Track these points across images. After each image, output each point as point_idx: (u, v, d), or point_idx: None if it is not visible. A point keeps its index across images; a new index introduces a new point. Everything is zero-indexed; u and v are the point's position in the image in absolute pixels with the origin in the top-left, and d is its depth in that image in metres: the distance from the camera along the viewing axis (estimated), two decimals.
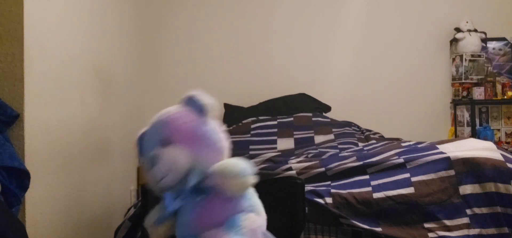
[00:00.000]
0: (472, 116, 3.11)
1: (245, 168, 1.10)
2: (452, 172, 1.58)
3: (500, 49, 3.34)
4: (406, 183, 1.58)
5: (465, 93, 3.28)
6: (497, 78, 3.27)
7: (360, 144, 2.44)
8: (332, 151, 2.29)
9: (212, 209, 1.13)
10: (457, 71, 3.33)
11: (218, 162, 1.14)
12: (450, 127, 3.36)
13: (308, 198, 1.52)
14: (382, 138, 2.80)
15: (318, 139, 2.67)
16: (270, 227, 1.18)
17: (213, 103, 1.19)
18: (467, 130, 3.16)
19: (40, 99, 1.75)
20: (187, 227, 1.15)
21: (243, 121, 3.01)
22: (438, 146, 1.73)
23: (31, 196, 1.65)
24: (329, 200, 1.54)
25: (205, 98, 1.19)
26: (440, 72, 3.40)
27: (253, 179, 1.12)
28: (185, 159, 1.12)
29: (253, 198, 1.18)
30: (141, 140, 1.26)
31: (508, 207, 1.52)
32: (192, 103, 1.19)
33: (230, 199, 1.13)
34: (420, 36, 3.41)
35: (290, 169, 1.81)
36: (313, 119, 2.90)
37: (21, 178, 1.46)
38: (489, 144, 1.71)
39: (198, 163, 1.13)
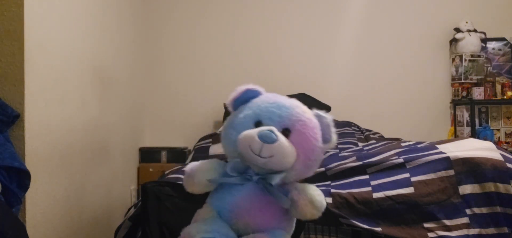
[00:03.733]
0: (472, 116, 3.11)
1: (324, 205, 1.16)
2: (451, 172, 1.58)
3: (499, 49, 3.34)
4: (405, 183, 1.58)
5: (464, 93, 3.29)
6: (497, 78, 3.28)
7: (360, 144, 2.44)
8: (332, 151, 2.29)
9: (269, 211, 1.15)
10: (456, 71, 3.33)
11: (303, 183, 1.18)
12: (449, 127, 3.36)
13: None
14: (382, 138, 2.80)
15: None
16: None
17: (336, 140, 1.21)
18: (467, 130, 3.17)
19: (40, 99, 1.76)
20: (233, 207, 1.15)
21: None
22: (437, 146, 1.73)
23: (31, 196, 1.65)
24: (328, 200, 1.54)
25: (334, 132, 1.20)
26: (439, 72, 3.40)
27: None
28: (291, 162, 1.11)
29: (293, 224, 1.22)
30: (248, 94, 1.23)
31: (508, 207, 1.52)
32: (324, 127, 1.19)
33: (286, 214, 1.16)
34: (420, 36, 3.41)
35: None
36: None
37: (22, 178, 1.47)
38: (489, 144, 1.71)
39: (293, 171, 1.14)
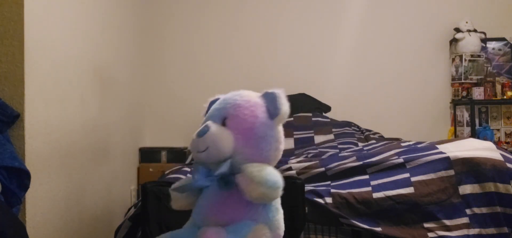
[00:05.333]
0: (472, 116, 3.11)
1: (274, 180, 1.06)
2: (451, 172, 1.58)
3: (499, 49, 3.34)
4: (405, 183, 1.58)
5: (464, 93, 3.29)
6: (497, 78, 3.27)
7: (360, 144, 2.44)
8: (332, 151, 2.29)
9: (230, 205, 1.13)
10: (456, 71, 3.33)
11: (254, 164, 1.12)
12: (449, 127, 3.36)
13: (308, 198, 1.52)
14: (382, 138, 2.80)
15: (318, 139, 2.68)
16: None
17: (287, 111, 1.17)
18: (467, 130, 3.17)
19: (40, 99, 1.76)
20: (202, 209, 1.17)
21: None
22: (437, 146, 1.73)
23: (31, 196, 1.65)
24: (329, 200, 1.54)
25: (283, 103, 1.16)
26: (439, 72, 3.40)
27: (278, 193, 1.09)
28: (228, 146, 1.12)
29: (275, 213, 1.16)
30: (211, 104, 1.26)
31: (508, 207, 1.53)
32: (269, 101, 1.17)
33: (250, 203, 1.10)
34: (420, 36, 3.41)
35: (290, 169, 1.81)
36: (313, 119, 2.90)
37: (22, 178, 1.46)
38: (489, 144, 1.71)
39: (238, 156, 1.13)
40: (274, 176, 1.07)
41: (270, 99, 1.17)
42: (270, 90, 1.18)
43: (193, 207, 1.21)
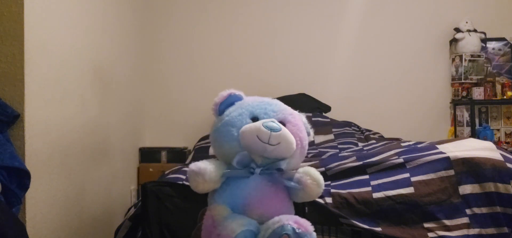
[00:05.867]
0: (472, 116, 3.11)
1: (323, 183, 1.27)
2: (451, 172, 1.58)
3: (499, 49, 3.34)
4: (405, 183, 1.58)
5: (464, 93, 3.29)
6: (497, 78, 3.28)
7: (360, 144, 2.45)
8: (332, 151, 2.29)
9: (278, 200, 1.23)
10: (456, 71, 3.33)
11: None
12: (449, 127, 3.36)
13: None
14: (382, 138, 2.80)
15: (318, 139, 2.68)
16: None
17: (313, 134, 1.38)
18: (467, 130, 3.17)
19: (40, 99, 1.76)
20: (243, 200, 1.20)
21: None
22: (437, 146, 1.73)
23: (31, 196, 1.65)
24: (329, 200, 1.54)
25: (310, 127, 1.36)
26: (439, 72, 3.40)
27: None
28: (294, 148, 1.21)
29: None
30: (233, 98, 1.30)
31: (508, 207, 1.52)
32: (304, 122, 1.34)
33: (288, 199, 1.26)
34: (420, 36, 3.41)
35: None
36: (313, 119, 2.90)
37: (22, 178, 1.47)
38: (489, 144, 1.71)
39: (294, 158, 1.24)
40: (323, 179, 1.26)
41: (303, 120, 1.34)
42: (298, 112, 1.34)
43: (193, 202, 1.22)
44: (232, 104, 1.29)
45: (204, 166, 1.18)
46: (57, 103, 1.90)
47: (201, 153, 2.62)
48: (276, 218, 1.14)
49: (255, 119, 1.23)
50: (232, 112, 1.26)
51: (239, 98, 1.31)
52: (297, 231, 1.09)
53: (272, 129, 1.17)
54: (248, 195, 1.20)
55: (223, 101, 1.29)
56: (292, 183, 1.22)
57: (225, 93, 1.30)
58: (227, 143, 1.23)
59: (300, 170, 1.26)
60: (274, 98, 1.35)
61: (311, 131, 1.34)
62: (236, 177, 1.21)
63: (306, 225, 1.13)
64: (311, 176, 1.22)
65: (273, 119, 1.21)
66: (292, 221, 1.12)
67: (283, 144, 1.18)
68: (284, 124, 1.23)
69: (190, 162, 2.52)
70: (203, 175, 1.17)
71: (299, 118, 1.31)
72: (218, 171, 1.19)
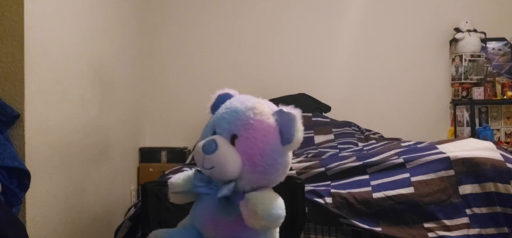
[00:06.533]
0: (472, 116, 3.11)
1: (277, 214, 1.04)
2: (451, 172, 1.58)
3: (499, 49, 3.34)
4: (405, 183, 1.58)
5: (464, 93, 3.29)
6: (497, 78, 3.27)
7: (360, 144, 2.44)
8: (332, 151, 2.29)
9: (230, 224, 1.10)
10: (456, 71, 3.33)
11: (258, 191, 1.08)
12: (449, 127, 3.36)
13: (308, 198, 1.52)
14: (382, 138, 2.80)
15: (318, 139, 2.68)
16: None
17: (301, 139, 1.09)
18: (467, 130, 3.17)
19: (40, 99, 1.76)
20: (200, 217, 1.15)
21: None
22: (437, 146, 1.73)
23: (31, 196, 1.65)
24: (329, 200, 1.54)
25: (298, 129, 1.08)
26: (439, 72, 3.40)
27: (279, 224, 1.07)
28: (235, 170, 1.06)
29: (272, 234, 1.15)
30: (220, 100, 1.19)
31: (508, 207, 1.53)
32: (283, 124, 1.08)
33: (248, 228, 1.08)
34: (420, 36, 3.41)
35: (290, 169, 1.81)
36: (313, 119, 2.90)
37: (22, 178, 1.46)
38: (489, 144, 1.71)
39: (242, 181, 1.08)
40: (278, 209, 1.04)
41: (285, 122, 1.08)
42: (285, 109, 1.09)
43: (191, 204, 1.21)
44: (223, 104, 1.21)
45: (175, 180, 1.19)
46: (57, 103, 1.90)
47: None
48: None
49: (214, 133, 1.11)
50: (209, 120, 1.19)
51: (225, 99, 1.20)
52: None
53: (205, 151, 1.05)
54: (204, 213, 1.14)
55: (214, 103, 1.21)
56: (228, 211, 1.08)
57: (215, 94, 1.22)
58: (194, 156, 1.17)
59: (248, 195, 1.07)
60: (275, 98, 1.27)
61: (297, 135, 1.08)
62: (201, 194, 1.13)
63: None
64: (247, 206, 1.04)
65: (214, 138, 1.07)
66: None
67: (217, 167, 1.04)
68: (236, 137, 1.08)
69: (190, 162, 2.53)
70: (173, 188, 1.18)
71: (262, 128, 1.08)
72: (180, 187, 1.17)
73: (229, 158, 1.05)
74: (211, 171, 1.06)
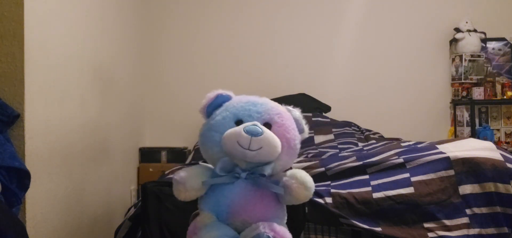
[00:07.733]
0: (472, 116, 3.11)
1: (313, 186, 1.21)
2: (451, 172, 1.58)
3: (499, 49, 3.34)
4: (405, 183, 1.58)
5: (464, 93, 3.29)
6: (497, 78, 3.28)
7: (360, 144, 2.44)
8: (332, 151, 2.29)
9: (264, 204, 1.19)
10: (456, 71, 3.33)
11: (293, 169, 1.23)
12: (449, 127, 3.36)
13: None
14: (382, 138, 2.80)
15: (318, 139, 2.68)
16: None
17: (307, 130, 1.31)
18: (467, 130, 3.17)
19: (40, 99, 1.76)
20: (227, 207, 1.17)
21: None
22: (437, 146, 1.73)
23: (31, 196, 1.65)
24: (329, 200, 1.54)
25: (305, 123, 1.29)
26: (439, 72, 3.40)
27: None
28: (279, 152, 1.16)
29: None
30: (220, 99, 1.25)
31: (508, 207, 1.52)
32: (297, 120, 1.26)
33: (279, 203, 1.22)
34: (420, 36, 3.41)
35: (290, 169, 1.81)
36: (313, 119, 2.90)
37: (22, 178, 1.46)
38: (489, 144, 1.71)
39: (279, 161, 1.19)
40: (311, 180, 1.20)
41: (296, 118, 1.26)
42: (291, 108, 1.28)
43: (191, 203, 1.21)
44: (220, 105, 1.25)
45: (185, 174, 1.18)
46: (57, 103, 1.90)
47: (201, 153, 2.62)
48: (254, 226, 1.12)
49: (239, 122, 1.18)
50: (217, 115, 1.22)
51: (227, 99, 1.26)
52: None
53: (252, 134, 1.11)
54: (231, 201, 1.17)
55: (211, 103, 1.24)
56: (276, 187, 1.17)
57: (212, 94, 1.25)
58: (210, 149, 1.20)
59: (288, 172, 1.20)
60: (275, 98, 1.31)
61: (306, 127, 1.28)
62: (221, 183, 1.18)
63: (282, 233, 1.10)
64: (298, 179, 1.17)
65: (256, 122, 1.15)
66: (268, 228, 1.09)
67: (266, 148, 1.13)
68: (270, 125, 1.18)
69: (190, 162, 2.53)
70: (183, 184, 1.17)
71: (288, 117, 1.24)
72: (199, 179, 1.17)
73: (275, 139, 1.15)
74: (257, 153, 1.13)
